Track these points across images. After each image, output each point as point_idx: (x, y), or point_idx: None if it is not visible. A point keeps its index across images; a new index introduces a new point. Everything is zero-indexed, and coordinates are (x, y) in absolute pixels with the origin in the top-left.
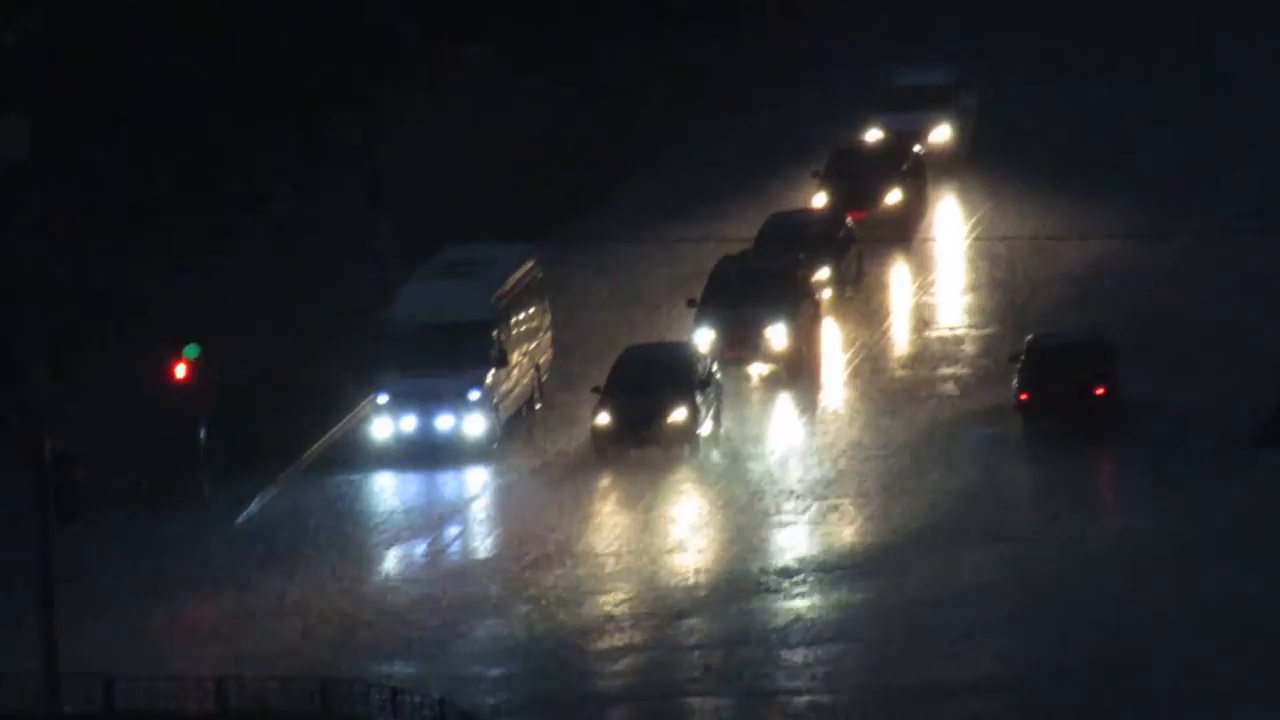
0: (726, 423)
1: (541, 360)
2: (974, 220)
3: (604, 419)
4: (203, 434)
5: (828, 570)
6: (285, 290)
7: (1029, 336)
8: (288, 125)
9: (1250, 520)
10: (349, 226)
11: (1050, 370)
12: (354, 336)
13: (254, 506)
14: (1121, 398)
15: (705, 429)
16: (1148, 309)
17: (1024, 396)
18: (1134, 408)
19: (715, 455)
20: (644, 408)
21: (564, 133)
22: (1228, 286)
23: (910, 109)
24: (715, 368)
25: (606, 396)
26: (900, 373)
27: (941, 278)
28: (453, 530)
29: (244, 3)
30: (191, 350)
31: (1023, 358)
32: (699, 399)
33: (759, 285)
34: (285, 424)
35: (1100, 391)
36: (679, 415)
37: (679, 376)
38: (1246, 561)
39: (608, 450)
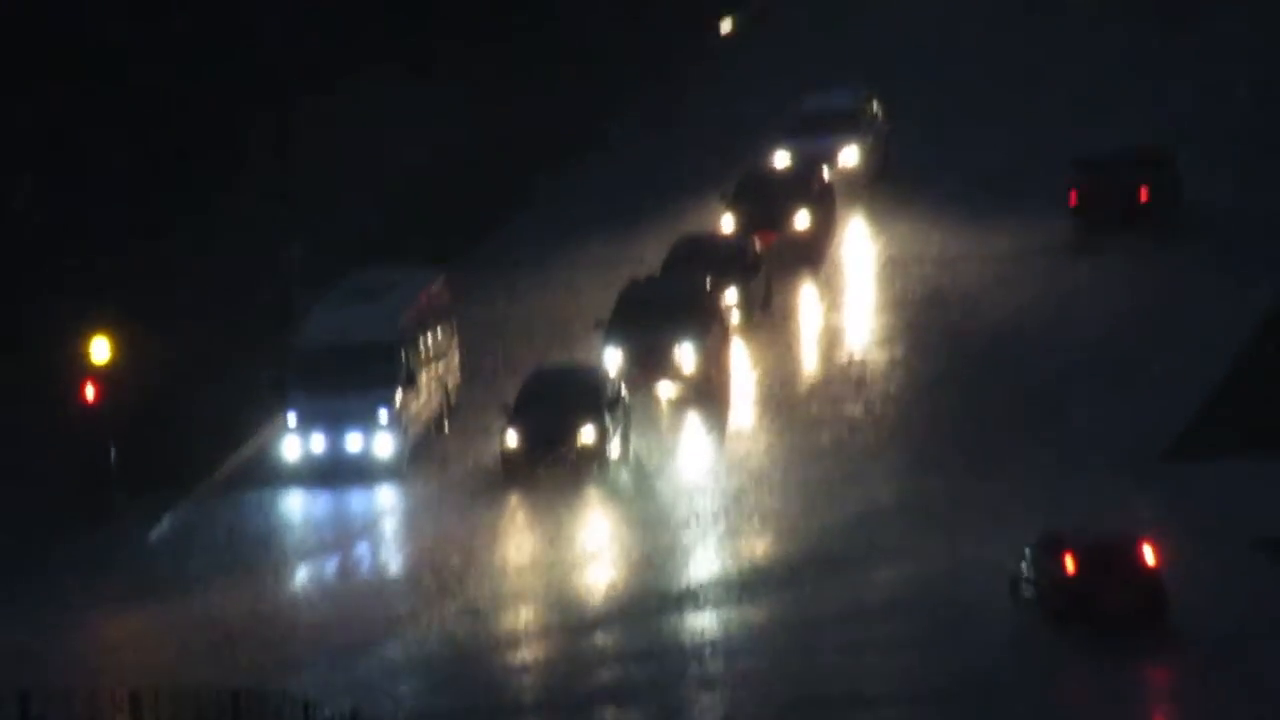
0: (635, 443)
1: (449, 382)
2: (882, 242)
3: (512, 439)
4: (113, 453)
5: (737, 586)
6: (195, 309)
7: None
8: (192, 144)
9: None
10: (260, 248)
11: (1096, 176)
12: (263, 357)
13: (165, 523)
14: (1182, 204)
15: (614, 449)
16: (1061, 325)
17: (1073, 201)
18: (1042, 421)
19: (624, 475)
20: (552, 428)
21: (473, 152)
22: (1144, 302)
23: (818, 132)
24: (623, 389)
25: (515, 417)
26: (808, 394)
27: (849, 300)
28: (363, 548)
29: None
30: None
31: (1072, 166)
32: (607, 419)
33: (667, 307)
34: (196, 442)
35: (1144, 196)
36: (587, 435)
37: (587, 397)
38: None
39: (516, 470)
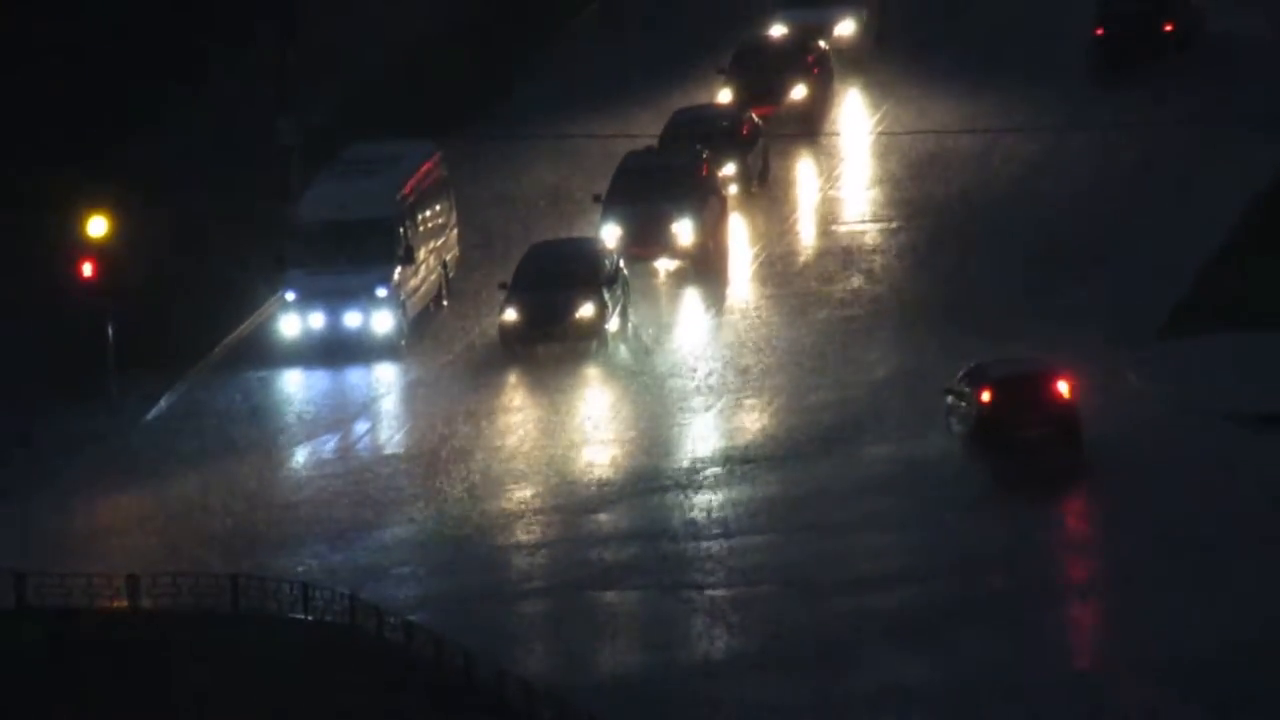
0: (634, 318)
1: (448, 257)
2: (879, 114)
3: (511, 315)
4: (110, 332)
5: (736, 464)
6: (191, 186)
7: None
8: (190, 19)
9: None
10: (256, 123)
11: (1122, 7)
12: (261, 233)
13: (163, 403)
14: (1203, 38)
15: (612, 324)
16: (1060, 197)
17: (1099, 31)
18: (1040, 295)
19: (623, 351)
20: (551, 304)
21: (468, 25)
22: (1135, 176)
23: (814, 3)
24: (622, 263)
25: (513, 293)
26: (806, 268)
27: (847, 172)
28: (361, 426)
29: None
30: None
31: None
32: (606, 294)
33: (665, 181)
34: (193, 320)
35: (1169, 28)
36: (586, 311)
37: (586, 272)
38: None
39: (515, 346)
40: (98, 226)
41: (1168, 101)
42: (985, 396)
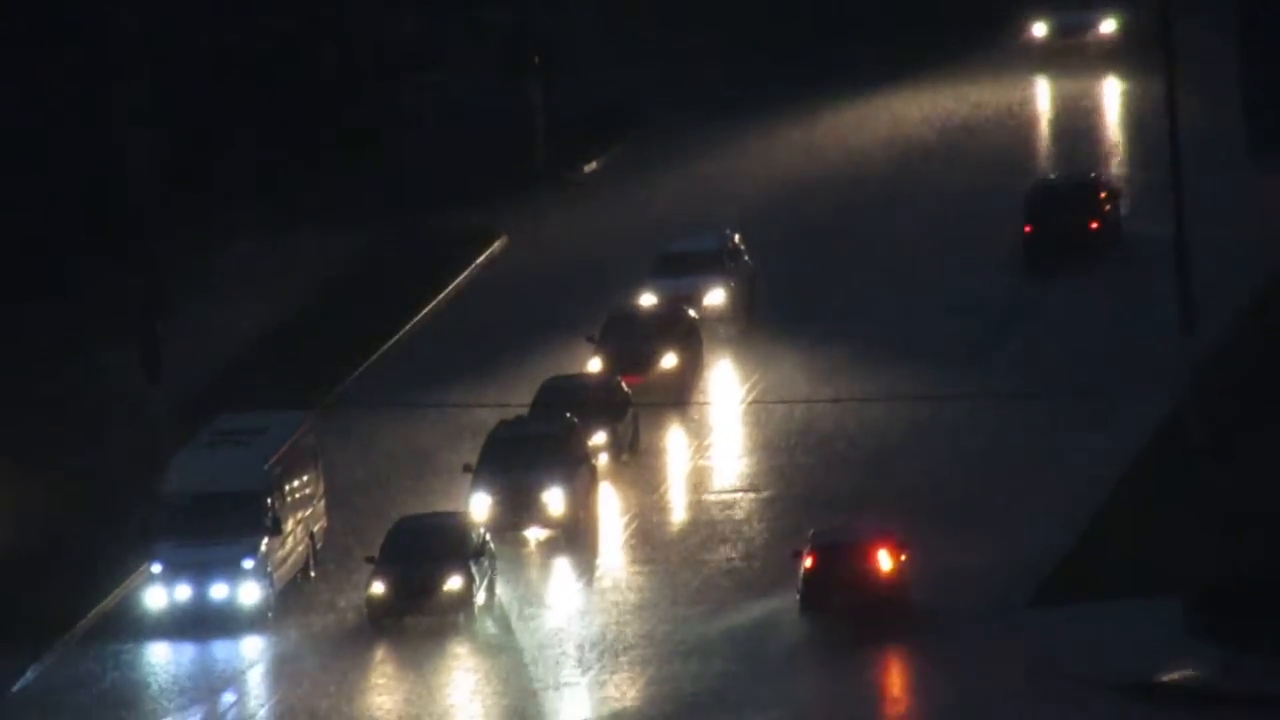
0: (504, 590)
1: (316, 528)
2: (750, 383)
3: (378, 588)
4: None
5: None
6: (59, 456)
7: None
8: (63, 284)
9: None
10: (124, 393)
11: (1050, 207)
12: (128, 504)
13: (29, 676)
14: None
15: (480, 597)
16: (928, 470)
17: (1028, 229)
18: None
19: (490, 623)
20: (418, 577)
21: (339, 297)
22: (1009, 448)
23: (684, 273)
24: (488, 535)
25: (380, 566)
26: (677, 538)
27: (717, 441)
28: (228, 699)
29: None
30: None
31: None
32: (473, 567)
33: (535, 451)
34: (57, 593)
35: (1094, 225)
36: (453, 584)
37: (453, 545)
38: None
39: (382, 620)
40: None
41: (1036, 367)
42: (808, 563)
